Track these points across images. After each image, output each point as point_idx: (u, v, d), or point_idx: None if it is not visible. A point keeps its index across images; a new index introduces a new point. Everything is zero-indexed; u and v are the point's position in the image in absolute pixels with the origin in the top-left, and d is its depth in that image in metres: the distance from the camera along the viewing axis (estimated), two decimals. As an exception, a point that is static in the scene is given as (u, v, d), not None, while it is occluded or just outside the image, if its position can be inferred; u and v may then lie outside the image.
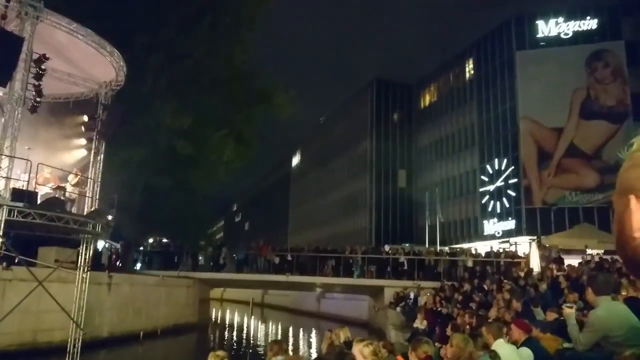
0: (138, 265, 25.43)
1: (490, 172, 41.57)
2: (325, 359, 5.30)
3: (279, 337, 24.08)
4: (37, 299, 11.97)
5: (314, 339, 23.17)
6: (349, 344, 5.63)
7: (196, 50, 23.86)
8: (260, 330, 29.05)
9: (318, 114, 71.30)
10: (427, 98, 55.00)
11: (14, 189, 10.11)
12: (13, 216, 9.74)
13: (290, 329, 27.81)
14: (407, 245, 31.38)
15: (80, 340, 11.80)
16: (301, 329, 27.39)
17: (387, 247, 28.19)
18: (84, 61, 12.34)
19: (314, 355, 17.09)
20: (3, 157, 9.94)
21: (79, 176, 13.08)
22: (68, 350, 11.60)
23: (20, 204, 9.91)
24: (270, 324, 31.87)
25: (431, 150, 51.59)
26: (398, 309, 19.08)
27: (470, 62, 47.03)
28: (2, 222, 9.52)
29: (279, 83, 28.59)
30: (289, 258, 25.32)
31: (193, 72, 24.26)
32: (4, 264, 12.60)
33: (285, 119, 30.16)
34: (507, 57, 40.78)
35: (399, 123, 56.05)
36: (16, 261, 13.55)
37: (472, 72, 46.78)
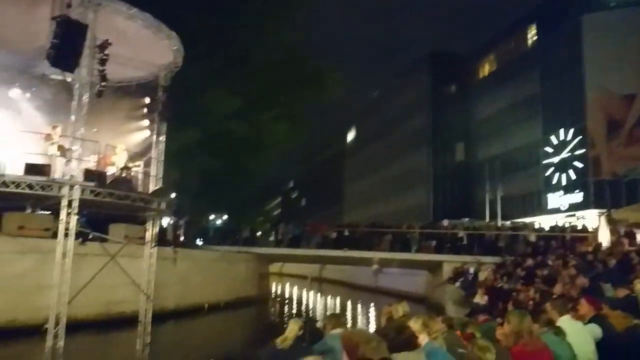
0: (200, 241, 26.44)
1: (555, 143, 39.71)
2: (384, 332, 5.31)
3: (337, 310, 24.46)
4: (110, 273, 12.71)
5: (371, 313, 23.36)
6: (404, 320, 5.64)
7: (245, 32, 24.06)
8: (318, 304, 29.60)
9: (372, 89, 70.41)
10: (486, 68, 52.95)
11: (85, 169, 10.68)
12: (85, 195, 10.32)
13: (348, 303, 28.15)
14: (466, 220, 30.75)
15: (150, 312, 12.48)
16: (359, 303, 27.66)
17: (445, 222, 27.76)
18: (144, 45, 12.71)
19: (372, 329, 17.26)
20: (74, 139, 10.49)
21: (143, 157, 13.67)
22: (139, 320, 12.30)
23: (92, 184, 10.48)
24: (328, 298, 32.40)
25: (490, 122, 49.82)
26: (457, 284, 18.84)
27: (532, 28, 44.68)
28: (77, 201, 10.11)
29: (328, 62, 28.47)
30: (346, 233, 25.48)
31: (243, 55, 24.52)
32: (80, 240, 13.44)
33: (336, 98, 30.03)
34: (573, 21, 38.35)
35: (457, 95, 54.44)
36: (90, 237, 14.45)
37: (534, 39, 44.47)
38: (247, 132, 24.95)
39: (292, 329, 5.43)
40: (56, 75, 13.44)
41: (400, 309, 6.40)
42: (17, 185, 9.94)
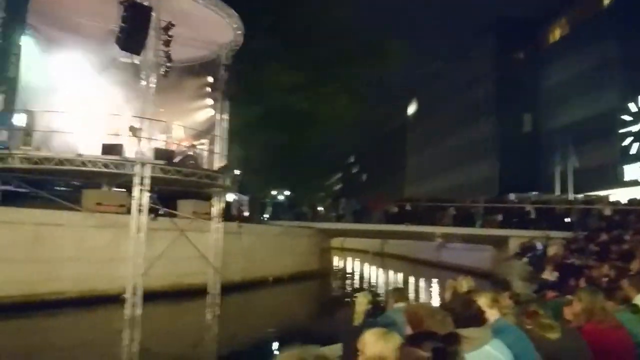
0: (264, 217, 27.08)
1: (634, 110, 37.02)
2: (449, 307, 5.24)
3: (400, 285, 24.44)
4: (180, 247, 13.33)
5: (434, 288, 23.17)
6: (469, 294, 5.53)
7: (304, 5, 23.92)
8: (380, 278, 29.70)
9: (434, 58, 68.20)
10: (557, 32, 49.79)
11: (155, 148, 11.16)
12: (156, 173, 10.81)
13: (411, 278, 28.04)
14: (534, 193, 29.53)
15: (218, 283, 13.02)
16: (421, 278, 27.48)
17: (512, 196, 26.81)
18: (205, 25, 12.97)
19: (436, 303, 17.13)
20: (143, 120, 10.97)
21: (208, 135, 14.10)
22: (208, 291, 12.87)
23: (161, 162, 10.95)
24: (390, 272, 32.41)
25: (560, 90, 47.03)
26: (524, 259, 18.25)
27: (610, -14, 41.43)
28: (148, 179, 10.62)
29: (388, 32, 27.88)
30: (408, 208, 25.24)
31: (303, 29, 24.44)
32: (152, 215, 14.14)
33: (397, 69, 29.40)
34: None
35: (524, 62, 51.74)
36: (160, 213, 15.18)
37: (611, -2, 41.26)
38: (307, 107, 25.05)
39: (361, 302, 5.45)
40: (125, 58, 14.03)
41: (464, 284, 6.29)
42: (94, 165, 10.56)
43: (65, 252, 13.39)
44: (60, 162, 10.58)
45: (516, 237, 21.18)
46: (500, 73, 50.85)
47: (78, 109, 13.34)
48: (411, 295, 20.05)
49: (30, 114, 11.97)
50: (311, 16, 24.72)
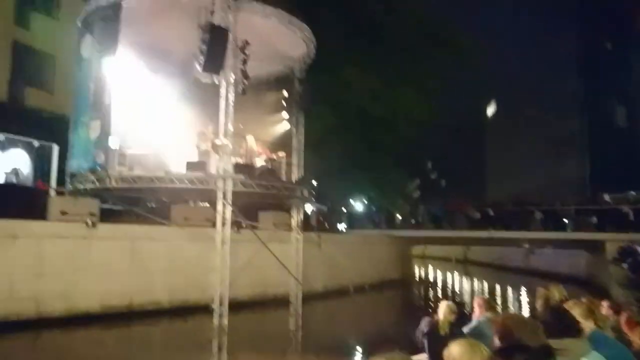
0: (343, 226, 27.18)
1: None
2: (541, 317, 4.99)
3: (485, 294, 23.52)
4: (262, 258, 13.70)
5: (523, 297, 22.04)
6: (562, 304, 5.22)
7: (376, 7, 23.89)
8: (464, 286, 28.73)
9: (513, 53, 65.19)
10: (650, 17, 45.99)
11: (235, 163, 11.61)
12: (237, 187, 11.23)
13: (497, 286, 26.87)
14: (632, 193, 27.33)
15: (300, 293, 13.22)
16: (509, 286, 26.24)
17: (606, 197, 24.98)
18: (279, 40, 13.34)
19: (526, 313, 16.28)
20: (224, 136, 11.44)
21: (285, 147, 14.44)
22: (291, 301, 13.11)
23: (241, 176, 11.35)
24: (475, 280, 31.26)
25: (658, 80, 43.35)
26: (624, 265, 16.91)
27: None
28: (229, 193, 11.05)
29: (464, 29, 27.09)
30: (491, 213, 24.29)
31: (375, 33, 24.41)
32: (235, 228, 14.68)
33: (473, 69, 28.57)
34: None
35: (614, 52, 48.20)
36: (243, 225, 15.71)
37: None
38: (383, 111, 24.91)
39: (445, 312, 5.32)
40: (206, 78, 14.75)
41: (557, 293, 5.94)
42: (181, 181, 11.16)
43: (159, 265, 14.24)
44: (151, 180, 11.28)
45: (613, 241, 19.70)
46: (589, 64, 47.70)
47: (165, 129, 14.20)
48: (498, 304, 19.21)
49: (123, 136, 12.89)
50: (384, 16, 24.66)
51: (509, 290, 25.42)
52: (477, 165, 73.18)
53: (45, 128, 19.38)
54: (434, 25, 26.79)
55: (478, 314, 5.48)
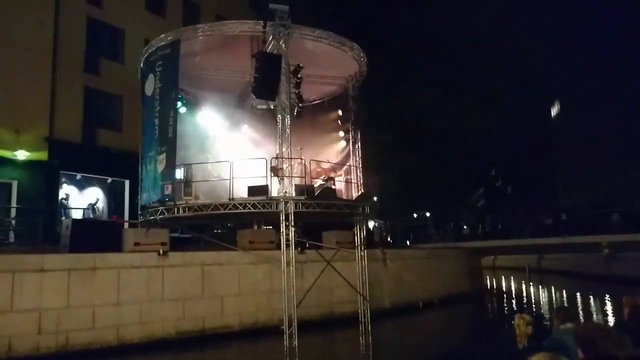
0: (407, 240, 26.77)
1: None
2: (629, 326, 4.68)
3: (565, 303, 22.29)
4: (328, 277, 13.72)
5: (607, 306, 20.69)
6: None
7: (431, 22, 23.80)
8: (541, 297, 27.35)
9: (576, 53, 62.42)
10: None
11: (296, 185, 11.78)
12: (298, 208, 11.37)
13: (577, 295, 25.39)
14: None
15: (368, 311, 13.09)
16: (590, 294, 24.73)
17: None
18: (331, 61, 13.53)
19: (611, 322, 15.26)
20: (283, 160, 11.66)
21: (344, 166, 14.52)
22: (360, 320, 12.99)
23: (302, 197, 11.50)
24: (552, 290, 29.69)
25: None
26: None
27: None
28: (292, 214, 11.21)
29: (522, 35, 26.41)
30: (564, 218, 23.13)
31: (431, 46, 24.25)
32: (299, 249, 14.83)
33: (534, 73, 27.68)
34: None
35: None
36: (307, 246, 15.86)
37: None
38: (442, 123, 24.56)
39: (521, 324, 5.11)
40: (262, 105, 15.19)
41: (641, 301, 5.56)
42: (244, 206, 11.46)
43: (228, 289, 14.59)
44: (216, 207, 11.65)
45: None
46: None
47: (226, 156, 14.69)
48: (580, 314, 18.13)
49: (188, 167, 13.44)
50: (439, 29, 24.50)
51: (591, 298, 23.95)
52: (545, 171, 70.10)
53: (117, 165, 20.58)
54: (494, 34, 26.29)
55: (558, 325, 5.21)
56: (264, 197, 11.43)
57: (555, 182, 67.98)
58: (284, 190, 11.49)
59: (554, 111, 72.04)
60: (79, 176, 21.24)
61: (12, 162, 18.45)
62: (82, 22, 21.72)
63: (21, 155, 18.61)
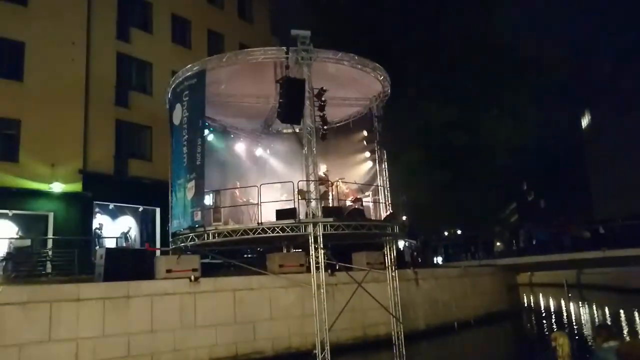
0: (439, 259, 26.31)
1: None
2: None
3: (607, 321, 21.42)
4: (359, 299, 13.56)
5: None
6: None
7: (448, 37, 23.79)
8: (581, 314, 26.37)
9: (602, 61, 61.16)
10: None
11: (323, 207, 11.78)
12: (327, 230, 11.34)
13: (621, 311, 24.37)
14: None
15: (402, 333, 12.84)
16: (634, 310, 23.71)
17: None
18: (354, 82, 13.63)
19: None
20: (310, 182, 11.70)
21: (371, 186, 14.47)
22: (393, 342, 12.76)
23: (331, 219, 11.47)
24: (593, 306, 28.61)
25: None
26: None
27: None
28: (320, 237, 11.18)
29: (545, 42, 26.14)
30: (601, 231, 22.39)
31: (451, 62, 24.19)
32: (329, 271, 14.74)
33: (559, 83, 27.27)
34: None
35: None
36: (337, 268, 15.75)
37: None
38: (469, 139, 24.30)
39: (562, 344, 4.93)
40: (287, 129, 15.35)
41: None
42: (273, 230, 11.49)
43: (260, 314, 14.55)
44: (245, 231, 11.72)
45: None
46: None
47: (254, 181, 14.84)
48: (623, 332, 17.38)
49: (216, 193, 13.61)
50: (457, 44, 24.44)
51: (636, 314, 22.96)
52: (578, 182, 68.33)
53: (148, 194, 21.02)
54: (518, 45, 26.08)
55: (601, 344, 5.01)
56: (292, 220, 11.45)
57: (589, 193, 66.13)
58: (312, 213, 11.49)
59: (585, 121, 70.50)
60: (111, 206, 21.75)
61: (48, 195, 19.04)
62: (112, 58, 22.50)
63: (57, 187, 19.20)
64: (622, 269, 28.52)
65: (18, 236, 17.06)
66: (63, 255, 17.30)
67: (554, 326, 22.04)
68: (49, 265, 17.21)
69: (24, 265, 15.57)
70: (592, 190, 66.23)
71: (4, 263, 15.33)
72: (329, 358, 10.73)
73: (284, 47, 11.98)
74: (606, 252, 20.82)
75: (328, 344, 10.76)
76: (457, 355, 16.28)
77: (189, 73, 13.00)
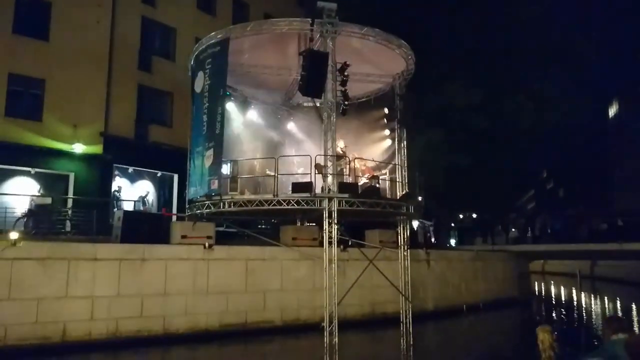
0: (452, 241, 26.26)
1: None
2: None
3: (619, 313, 21.29)
4: (370, 276, 13.66)
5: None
6: None
7: (476, 19, 23.26)
8: (593, 305, 26.24)
9: (633, 51, 59.27)
10: None
11: (339, 182, 11.78)
12: (342, 206, 11.37)
13: (632, 305, 24.20)
14: None
15: (410, 312, 12.94)
16: (647, 305, 23.52)
17: None
18: (378, 59, 13.44)
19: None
20: (328, 157, 11.68)
21: (389, 164, 14.41)
22: (401, 320, 12.87)
23: (346, 195, 11.48)
24: (605, 298, 28.43)
25: None
26: None
27: None
28: (335, 212, 11.22)
29: (573, 29, 25.42)
30: (619, 223, 22.07)
31: (477, 43, 23.70)
32: (342, 247, 14.83)
33: (586, 70, 26.54)
34: None
35: None
36: (349, 244, 15.84)
37: None
38: (491, 123, 23.95)
39: (544, 339, 4.93)
40: (308, 102, 15.28)
41: None
42: (288, 203, 11.56)
43: (271, 284, 14.77)
44: (260, 202, 11.82)
45: None
46: None
47: (272, 153, 14.88)
48: (634, 325, 17.28)
49: (234, 163, 13.69)
50: (485, 27, 23.90)
51: (648, 309, 22.78)
52: (600, 173, 67.06)
53: (166, 159, 21.21)
54: (545, 31, 25.38)
55: (609, 336, 4.99)
56: (307, 194, 11.49)
57: (611, 185, 64.93)
58: (328, 188, 11.51)
59: (611, 111, 68.83)
60: (130, 169, 22.03)
61: (69, 155, 19.34)
62: (137, 21, 22.46)
63: (78, 148, 19.48)
64: (637, 262, 28.18)
65: (39, 194, 17.41)
66: (82, 215, 17.63)
67: (563, 315, 22.00)
68: (68, 224, 17.60)
69: (44, 223, 15.94)
70: (614, 182, 64.99)
71: (24, 219, 15.70)
72: (337, 331, 10.88)
73: (309, 19, 11.83)
74: (623, 244, 20.55)
75: (336, 318, 10.90)
76: (463, 338, 16.37)
77: (213, 41, 12.95)
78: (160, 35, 23.79)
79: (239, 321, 14.09)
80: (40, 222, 15.81)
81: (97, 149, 20.17)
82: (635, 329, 15.95)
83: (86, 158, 19.74)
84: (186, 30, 23.73)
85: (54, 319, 11.68)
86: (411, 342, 12.56)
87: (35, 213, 16.02)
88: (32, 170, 18.73)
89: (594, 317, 21.19)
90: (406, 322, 12.87)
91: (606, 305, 26.06)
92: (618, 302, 26.30)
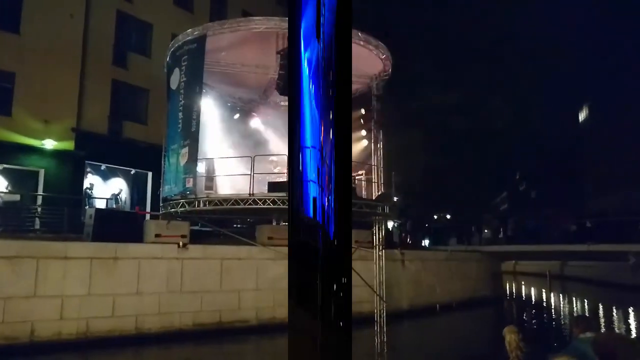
0: (426, 242, 26.54)
1: None
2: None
3: (586, 312, 21.86)
4: (346, 275, 13.68)
5: (632, 316, 20.21)
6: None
7: (454, 24, 23.57)
8: (562, 305, 26.88)
9: (606, 55, 60.80)
10: None
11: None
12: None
13: (599, 305, 24.86)
14: None
15: (384, 312, 13.04)
16: (613, 304, 24.19)
17: None
18: (354, 59, 13.43)
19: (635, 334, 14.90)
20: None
21: (364, 165, 14.47)
22: (375, 319, 12.96)
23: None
24: (574, 298, 29.14)
25: None
26: None
27: None
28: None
29: (550, 35, 25.99)
30: (588, 225, 22.64)
31: (457, 47, 24.03)
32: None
33: (565, 72, 27.19)
34: None
35: None
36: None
37: None
38: (467, 124, 24.36)
39: (510, 340, 5.02)
40: (284, 101, 15.25)
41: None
42: (264, 202, 11.51)
43: (247, 284, 14.68)
44: (236, 201, 11.74)
45: None
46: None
47: (248, 151, 14.79)
48: (602, 324, 17.76)
49: (209, 161, 13.58)
50: (459, 29, 24.27)
51: (614, 308, 23.43)
52: (572, 176, 68.60)
53: (141, 157, 20.89)
54: (523, 35, 25.93)
55: (578, 334, 5.10)
56: (284, 194, 11.47)
57: (584, 187, 66.47)
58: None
59: (583, 114, 70.51)
60: (103, 167, 21.64)
61: (40, 151, 18.88)
62: (112, 16, 22.07)
63: (49, 144, 19.03)
64: (606, 263, 28.97)
65: (8, 191, 16.95)
66: (52, 212, 17.23)
67: (533, 314, 22.46)
68: (37, 221, 17.18)
69: (12, 220, 15.53)
70: (589, 184, 66.56)
71: (-8, 216, 15.29)
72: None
73: (287, 18, 11.80)
74: (590, 246, 21.08)
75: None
76: (437, 337, 16.57)
77: (189, 37, 12.82)
78: (136, 30, 23.42)
79: (212, 320, 13.97)
80: (9, 220, 15.39)
81: (68, 145, 19.74)
82: (603, 327, 16.38)
83: (57, 154, 19.30)
84: (163, 26, 23.42)
85: (22, 318, 11.39)
86: (385, 341, 12.65)
87: (3, 210, 15.60)
88: (1, 167, 18.22)
89: (562, 316, 21.70)
90: (380, 321, 12.96)
91: (575, 305, 26.71)
92: (586, 302, 26.99)
